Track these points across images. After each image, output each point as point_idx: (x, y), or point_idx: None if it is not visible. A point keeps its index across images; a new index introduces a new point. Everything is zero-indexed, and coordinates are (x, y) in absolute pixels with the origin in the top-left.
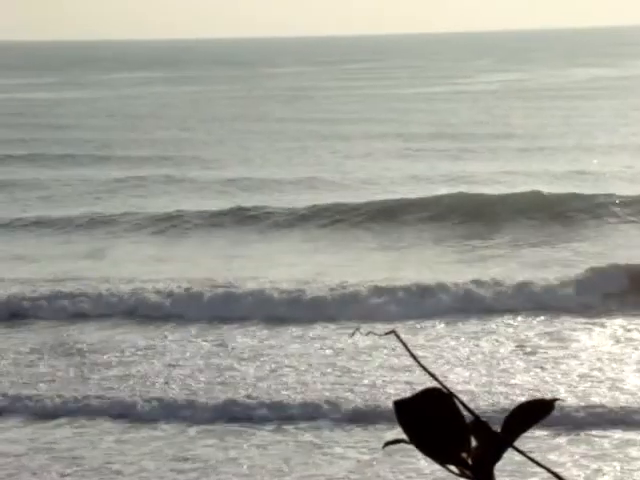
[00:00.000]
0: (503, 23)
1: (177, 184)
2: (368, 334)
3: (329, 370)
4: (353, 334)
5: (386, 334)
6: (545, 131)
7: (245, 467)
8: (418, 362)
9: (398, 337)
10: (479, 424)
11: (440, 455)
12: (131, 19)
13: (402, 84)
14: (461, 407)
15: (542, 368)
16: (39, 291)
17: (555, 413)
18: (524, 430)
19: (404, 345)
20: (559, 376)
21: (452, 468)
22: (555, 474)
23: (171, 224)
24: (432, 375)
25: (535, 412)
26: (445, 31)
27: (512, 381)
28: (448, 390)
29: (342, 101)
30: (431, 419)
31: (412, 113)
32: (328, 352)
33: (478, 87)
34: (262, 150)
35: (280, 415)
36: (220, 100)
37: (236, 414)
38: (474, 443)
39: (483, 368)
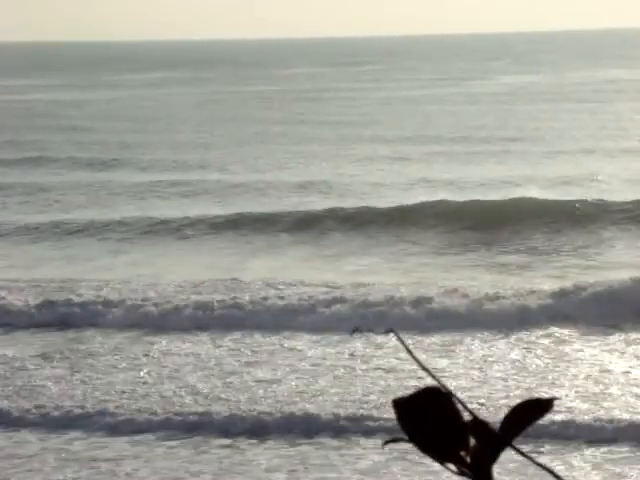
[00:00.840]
0: (506, 25)
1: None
2: (368, 332)
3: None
4: (353, 332)
5: (385, 332)
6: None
7: None
8: (416, 360)
9: (397, 336)
10: (478, 423)
11: (439, 453)
12: (131, 19)
13: (414, 86)
14: (460, 406)
15: None
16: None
17: None
18: (522, 429)
19: (402, 343)
20: None
21: (451, 466)
22: (553, 473)
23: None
24: (431, 374)
25: (533, 411)
26: (447, 32)
27: None
28: (447, 389)
29: (349, 104)
30: (430, 418)
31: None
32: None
33: (492, 88)
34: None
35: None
36: (213, 102)
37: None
38: (473, 442)
39: None
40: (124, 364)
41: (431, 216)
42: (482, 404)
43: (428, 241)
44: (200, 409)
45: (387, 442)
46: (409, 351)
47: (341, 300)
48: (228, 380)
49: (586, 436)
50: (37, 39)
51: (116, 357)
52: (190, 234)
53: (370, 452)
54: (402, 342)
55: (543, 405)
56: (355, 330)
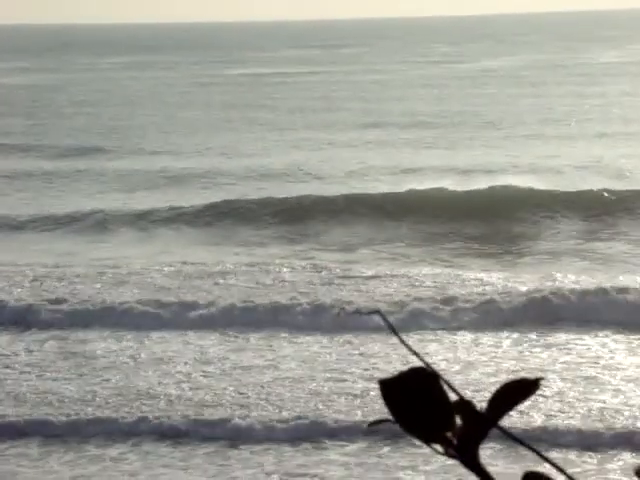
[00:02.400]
0: (490, 7)
1: None
2: (353, 314)
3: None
4: (338, 314)
5: (370, 313)
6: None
7: None
8: (402, 341)
9: (383, 317)
10: (464, 403)
11: (425, 434)
12: (118, 2)
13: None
14: (446, 387)
15: None
16: None
17: None
18: (509, 409)
19: (388, 324)
20: None
21: (437, 447)
22: (540, 454)
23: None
24: (416, 354)
25: (520, 391)
26: (435, 15)
27: None
28: (433, 370)
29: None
30: (416, 398)
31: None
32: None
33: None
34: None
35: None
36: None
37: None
38: (459, 422)
39: None
40: None
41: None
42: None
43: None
44: None
45: (372, 423)
46: (394, 331)
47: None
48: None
49: None
50: (20, 23)
51: None
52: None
53: None
54: (387, 323)
55: (529, 385)
56: (340, 311)
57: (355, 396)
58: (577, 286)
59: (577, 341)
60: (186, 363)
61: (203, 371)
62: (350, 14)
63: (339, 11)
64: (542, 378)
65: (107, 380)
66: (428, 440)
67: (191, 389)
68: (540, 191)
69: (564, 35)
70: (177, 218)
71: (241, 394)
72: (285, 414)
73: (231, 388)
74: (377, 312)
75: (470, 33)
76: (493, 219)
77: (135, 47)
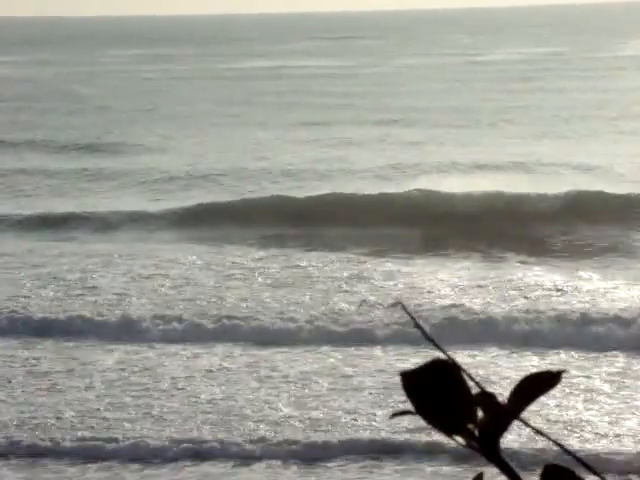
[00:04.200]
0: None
1: None
2: (375, 305)
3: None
4: (360, 306)
5: (392, 305)
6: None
7: None
8: (424, 333)
9: (404, 308)
10: (485, 395)
11: (446, 426)
12: None
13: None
14: (467, 378)
15: None
16: None
17: None
18: (530, 402)
19: (410, 316)
20: None
21: (458, 439)
22: (561, 446)
23: None
24: (438, 346)
25: (541, 384)
26: (428, 8)
27: None
28: (454, 361)
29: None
30: (437, 390)
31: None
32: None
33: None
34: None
35: None
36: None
37: None
38: (480, 414)
39: None
40: None
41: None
42: None
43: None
44: None
45: (395, 415)
46: (416, 323)
47: None
48: None
49: None
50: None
51: None
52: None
53: None
54: (409, 314)
55: (551, 378)
56: (362, 303)
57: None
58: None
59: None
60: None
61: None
62: (358, 6)
63: (347, 3)
64: (564, 371)
65: None
66: (449, 432)
67: None
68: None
69: (579, 27)
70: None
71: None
72: None
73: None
74: (399, 304)
75: (480, 25)
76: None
77: (143, 40)
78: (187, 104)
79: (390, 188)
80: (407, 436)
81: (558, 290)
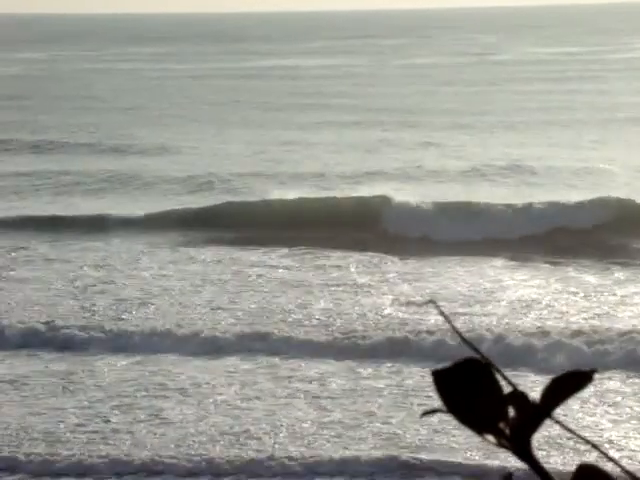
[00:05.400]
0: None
1: None
2: (407, 304)
3: None
4: (393, 303)
5: (424, 304)
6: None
7: None
8: (457, 331)
9: (436, 306)
10: (517, 394)
11: (478, 425)
12: None
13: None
14: (499, 377)
15: None
16: None
17: None
18: (562, 400)
19: (442, 314)
20: None
21: (490, 438)
22: (593, 445)
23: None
24: (471, 345)
25: (574, 383)
26: (437, 7)
27: None
28: (487, 360)
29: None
30: (469, 389)
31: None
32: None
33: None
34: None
35: None
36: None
37: None
38: (512, 413)
39: None
40: None
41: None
42: None
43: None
44: None
45: (425, 413)
46: (448, 321)
47: None
48: None
49: None
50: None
51: None
52: None
53: None
54: (442, 313)
55: (583, 377)
56: (394, 301)
57: None
58: None
59: None
60: None
61: None
62: (379, 5)
63: (353, 2)
64: (596, 370)
65: None
66: (481, 431)
67: None
68: None
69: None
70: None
71: None
72: None
73: None
74: (431, 302)
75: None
76: None
77: (155, 38)
78: (208, 104)
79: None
80: None
81: None
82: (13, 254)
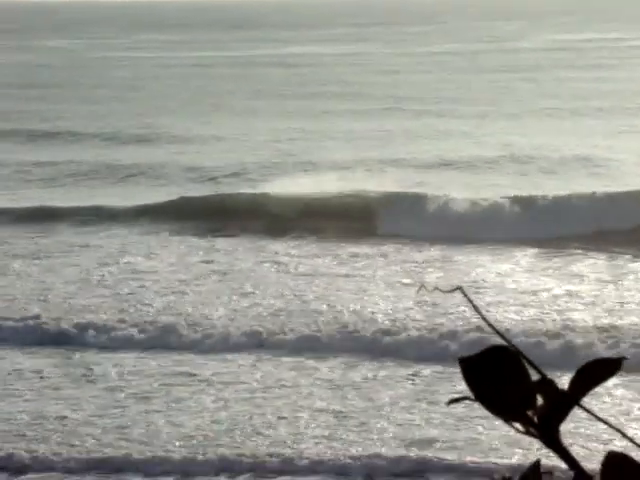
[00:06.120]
0: None
1: None
2: (434, 290)
3: None
4: (419, 290)
5: (452, 291)
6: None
7: None
8: (484, 319)
9: (464, 294)
10: (545, 382)
11: (505, 413)
12: None
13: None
14: (527, 365)
15: None
16: None
17: None
18: (591, 388)
19: (470, 302)
20: None
21: (517, 426)
22: (622, 432)
23: None
24: (499, 333)
25: (602, 370)
26: None
27: None
28: (515, 347)
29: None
30: (497, 376)
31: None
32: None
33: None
34: None
35: None
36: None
37: None
38: (540, 401)
39: None
40: None
41: None
42: None
43: None
44: None
45: (452, 401)
46: (476, 309)
47: None
48: None
49: None
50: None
51: None
52: None
53: None
54: (469, 300)
55: (612, 365)
56: (421, 287)
57: None
58: None
59: None
60: None
61: None
62: None
63: None
64: (625, 357)
65: None
66: (508, 418)
67: None
68: None
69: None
70: None
71: None
72: None
73: None
74: (459, 289)
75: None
76: None
77: (169, 26)
78: (234, 93)
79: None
80: None
81: None
82: (39, 243)
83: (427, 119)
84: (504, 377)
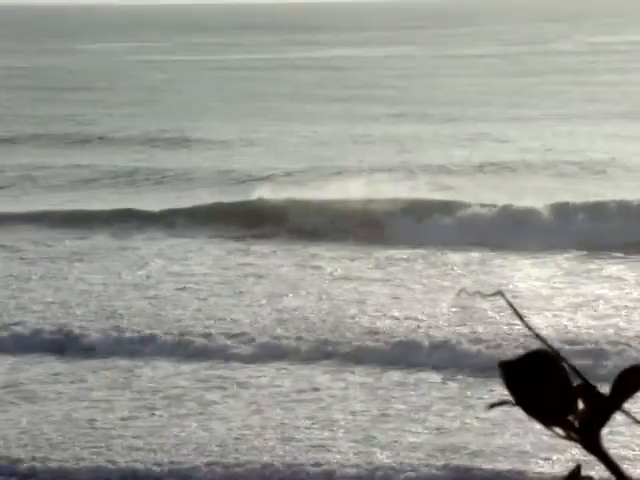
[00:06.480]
0: None
1: None
2: (474, 294)
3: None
4: (459, 294)
5: (492, 295)
6: None
7: None
8: (524, 323)
9: (504, 297)
10: (587, 387)
11: (546, 417)
12: None
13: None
14: (569, 370)
15: None
16: None
17: None
18: (633, 393)
19: (510, 305)
20: None
21: (558, 431)
22: None
23: None
24: (540, 337)
25: None
26: None
27: None
28: (556, 352)
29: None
30: (538, 381)
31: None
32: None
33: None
34: None
35: None
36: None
37: None
38: (581, 406)
39: None
40: None
41: None
42: None
43: None
44: None
45: (493, 405)
46: (517, 313)
47: None
48: None
49: None
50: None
51: None
52: None
53: None
54: (510, 304)
55: None
56: (461, 291)
57: None
58: None
59: None
60: None
61: None
62: None
63: None
64: None
65: None
66: (549, 423)
67: None
68: None
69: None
70: None
71: None
72: None
73: None
74: (499, 293)
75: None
76: None
77: (212, 28)
78: (264, 96)
79: None
80: None
81: None
82: (72, 246)
83: (464, 123)
84: (545, 381)
